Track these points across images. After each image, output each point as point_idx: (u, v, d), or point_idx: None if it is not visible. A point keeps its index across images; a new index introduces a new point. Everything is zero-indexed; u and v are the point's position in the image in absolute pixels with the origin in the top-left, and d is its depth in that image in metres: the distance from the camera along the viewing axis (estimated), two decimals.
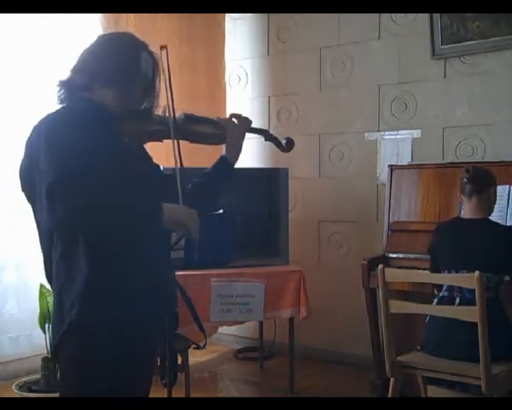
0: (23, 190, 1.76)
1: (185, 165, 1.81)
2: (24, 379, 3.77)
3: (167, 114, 1.82)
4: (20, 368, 3.93)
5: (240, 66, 5.11)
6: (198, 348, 2.59)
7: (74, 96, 1.79)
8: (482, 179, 3.03)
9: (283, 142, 2.12)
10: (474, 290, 2.70)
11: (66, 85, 1.80)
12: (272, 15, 4.89)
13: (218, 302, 3.76)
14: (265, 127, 4.86)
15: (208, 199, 1.95)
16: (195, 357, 4.28)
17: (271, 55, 4.96)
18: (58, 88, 1.80)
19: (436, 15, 4.04)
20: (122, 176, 1.66)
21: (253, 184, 4.21)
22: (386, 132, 4.39)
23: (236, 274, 3.80)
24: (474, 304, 2.68)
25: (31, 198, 1.74)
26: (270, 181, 4.18)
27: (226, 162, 1.96)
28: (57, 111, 1.74)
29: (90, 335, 1.67)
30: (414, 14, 4.21)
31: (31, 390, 3.64)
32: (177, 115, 1.83)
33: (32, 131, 1.71)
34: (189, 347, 3.31)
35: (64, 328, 1.67)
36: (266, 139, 2.12)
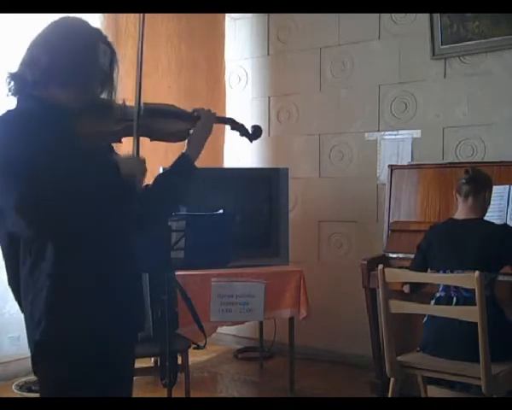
0: None
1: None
2: (24, 379, 3.77)
3: (124, 104, 1.76)
4: (20, 368, 3.93)
5: (240, 66, 5.11)
6: (198, 348, 2.60)
7: (23, 94, 1.68)
8: (480, 182, 3.04)
9: (250, 130, 2.02)
10: (471, 289, 2.70)
11: (16, 80, 1.68)
12: (272, 15, 4.89)
13: (218, 302, 3.76)
14: (265, 127, 4.87)
15: (167, 198, 1.84)
16: (195, 357, 4.28)
17: (271, 55, 4.96)
18: (8, 80, 1.69)
19: (436, 15, 4.04)
20: (77, 171, 1.58)
21: (253, 184, 4.21)
22: (387, 132, 4.39)
23: (236, 274, 3.80)
24: (472, 303, 2.69)
25: None
26: (270, 181, 4.18)
27: (187, 160, 1.86)
28: (3, 116, 1.64)
29: (59, 353, 1.64)
30: (414, 14, 4.21)
31: (31, 390, 3.65)
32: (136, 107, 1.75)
33: None
34: (189, 347, 3.31)
35: (32, 347, 1.65)
36: (233, 128, 2.02)
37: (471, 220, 3.01)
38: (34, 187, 1.50)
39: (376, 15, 4.37)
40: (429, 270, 3.07)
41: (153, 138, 1.86)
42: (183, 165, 1.85)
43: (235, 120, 2.02)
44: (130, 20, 4.30)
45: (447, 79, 4.16)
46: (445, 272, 2.95)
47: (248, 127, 2.04)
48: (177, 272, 2.21)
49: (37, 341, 1.64)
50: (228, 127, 2.06)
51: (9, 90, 1.70)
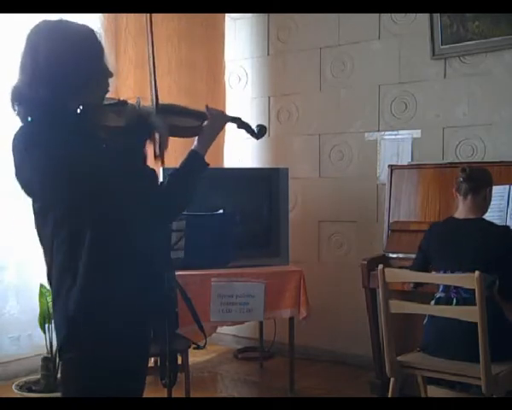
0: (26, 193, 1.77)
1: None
2: (24, 379, 3.77)
3: (138, 105, 1.81)
4: (20, 368, 3.93)
5: (240, 66, 5.11)
6: (198, 348, 2.60)
7: (40, 111, 1.70)
8: (478, 179, 3.02)
9: (256, 129, 2.10)
10: (470, 290, 2.70)
11: (26, 101, 1.71)
12: (272, 15, 4.89)
13: (218, 302, 3.76)
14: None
15: (182, 194, 1.88)
16: (195, 357, 4.28)
17: (271, 55, 4.96)
18: (16, 102, 1.72)
19: (436, 15, 4.04)
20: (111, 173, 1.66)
21: (253, 184, 4.21)
22: (387, 132, 4.39)
23: (236, 274, 3.80)
24: (472, 304, 2.69)
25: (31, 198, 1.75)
26: (270, 181, 4.18)
27: (197, 156, 1.91)
28: (29, 127, 1.70)
29: (93, 336, 1.67)
30: (414, 14, 4.21)
31: (31, 390, 3.64)
32: (150, 106, 1.81)
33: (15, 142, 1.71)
34: (189, 347, 3.31)
35: (69, 330, 1.68)
36: (239, 127, 2.09)
37: (471, 220, 2.99)
38: (80, 186, 1.60)
39: (376, 15, 4.37)
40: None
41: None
42: (195, 161, 1.90)
43: (241, 119, 2.08)
44: (130, 20, 4.31)
45: (447, 79, 4.16)
46: (445, 272, 2.95)
47: (253, 126, 2.11)
48: (177, 272, 2.22)
49: (75, 326, 1.67)
50: (232, 126, 2.11)
51: (18, 114, 1.73)
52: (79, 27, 1.78)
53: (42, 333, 3.65)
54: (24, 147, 1.67)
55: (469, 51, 4.02)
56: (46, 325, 3.61)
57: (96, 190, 1.62)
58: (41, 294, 3.63)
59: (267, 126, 4.87)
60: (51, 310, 1.81)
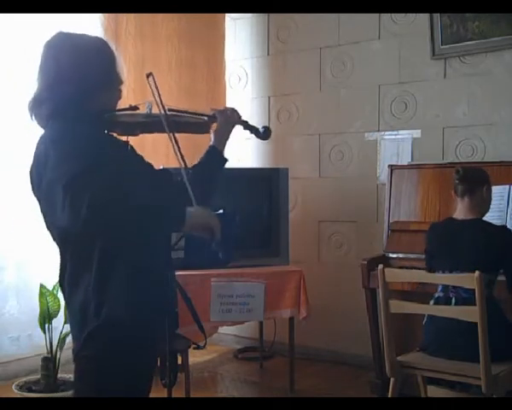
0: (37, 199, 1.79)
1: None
2: (24, 379, 3.77)
3: (149, 110, 1.90)
4: (20, 368, 3.93)
5: (240, 66, 5.11)
6: (198, 348, 2.59)
7: (66, 115, 1.74)
8: (473, 179, 3.03)
9: (261, 130, 2.16)
10: (469, 290, 2.71)
11: (49, 103, 1.77)
12: (272, 15, 4.89)
13: (218, 302, 3.76)
14: None
15: (204, 190, 1.96)
16: (195, 357, 4.28)
17: (271, 55, 4.96)
18: (37, 105, 1.78)
19: (436, 15, 4.04)
20: (138, 174, 1.74)
21: (253, 184, 4.21)
22: (387, 132, 4.39)
23: (236, 274, 3.80)
24: (470, 303, 2.69)
25: (43, 208, 1.77)
26: (270, 181, 4.18)
27: (215, 150, 2.02)
28: (59, 128, 1.74)
29: (113, 336, 1.70)
30: (414, 14, 4.21)
31: (31, 390, 3.64)
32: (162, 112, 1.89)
33: (38, 144, 1.75)
34: (189, 347, 3.31)
35: (89, 329, 1.70)
36: (245, 128, 2.15)
37: (469, 221, 3.00)
38: (95, 168, 1.59)
39: (376, 15, 4.37)
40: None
41: (180, 130, 1.96)
42: (214, 155, 2.02)
43: (248, 122, 2.15)
44: (130, 20, 4.31)
45: (447, 79, 4.16)
46: (443, 272, 2.95)
47: (260, 128, 2.18)
48: (177, 272, 2.21)
49: (97, 325, 1.69)
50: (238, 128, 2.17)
51: (38, 116, 1.79)
52: (93, 38, 1.89)
53: (42, 333, 3.64)
54: (51, 141, 1.69)
55: (469, 51, 4.02)
56: (46, 325, 3.61)
57: (122, 190, 1.62)
58: (41, 294, 3.62)
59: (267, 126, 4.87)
60: (64, 309, 1.84)
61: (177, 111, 1.99)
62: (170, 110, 1.94)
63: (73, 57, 1.78)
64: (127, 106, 1.92)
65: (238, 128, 2.13)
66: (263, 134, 2.15)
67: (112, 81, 1.85)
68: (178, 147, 1.84)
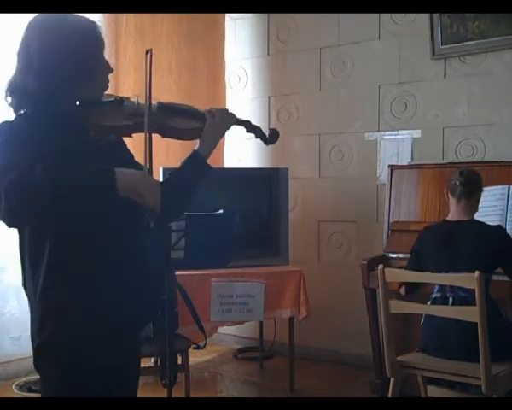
0: None
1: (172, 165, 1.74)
2: (24, 379, 3.77)
3: (137, 101, 1.73)
4: (21, 368, 3.93)
5: (240, 66, 5.11)
6: (198, 348, 2.60)
7: (30, 105, 1.66)
8: (474, 184, 3.04)
9: (267, 133, 1.97)
10: (468, 289, 2.71)
11: (18, 92, 1.66)
12: (272, 15, 4.89)
13: (218, 302, 3.76)
14: (265, 127, 4.86)
15: (181, 196, 1.82)
16: (195, 357, 4.28)
17: (271, 55, 4.96)
18: (9, 93, 1.67)
19: (436, 15, 4.04)
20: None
21: (253, 184, 4.21)
22: (387, 132, 4.39)
23: (236, 274, 3.80)
24: (468, 303, 2.70)
25: None
26: (270, 181, 4.18)
27: (198, 156, 1.82)
28: (17, 119, 1.66)
29: (62, 354, 1.62)
30: (414, 14, 4.21)
31: (31, 390, 3.64)
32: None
33: None
34: (189, 347, 3.31)
35: (34, 346, 1.65)
36: (248, 131, 1.97)
37: (464, 222, 3.01)
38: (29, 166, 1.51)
39: (376, 15, 4.37)
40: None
41: (165, 135, 1.83)
42: (195, 162, 1.82)
43: (250, 123, 1.98)
44: (130, 20, 4.31)
45: (447, 79, 4.16)
46: (440, 272, 2.95)
47: (266, 130, 2.00)
48: (177, 272, 2.21)
49: (40, 341, 1.63)
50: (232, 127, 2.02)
51: (11, 105, 1.68)
52: (78, 20, 1.71)
53: None
54: (3, 139, 1.59)
55: (469, 51, 4.02)
56: None
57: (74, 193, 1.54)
58: None
59: (267, 126, 4.87)
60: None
61: (168, 105, 1.83)
62: (160, 104, 1.79)
63: (48, 43, 1.62)
64: (113, 96, 1.77)
65: (240, 130, 1.99)
66: (269, 137, 1.97)
67: (95, 70, 1.68)
68: (150, 143, 1.70)
